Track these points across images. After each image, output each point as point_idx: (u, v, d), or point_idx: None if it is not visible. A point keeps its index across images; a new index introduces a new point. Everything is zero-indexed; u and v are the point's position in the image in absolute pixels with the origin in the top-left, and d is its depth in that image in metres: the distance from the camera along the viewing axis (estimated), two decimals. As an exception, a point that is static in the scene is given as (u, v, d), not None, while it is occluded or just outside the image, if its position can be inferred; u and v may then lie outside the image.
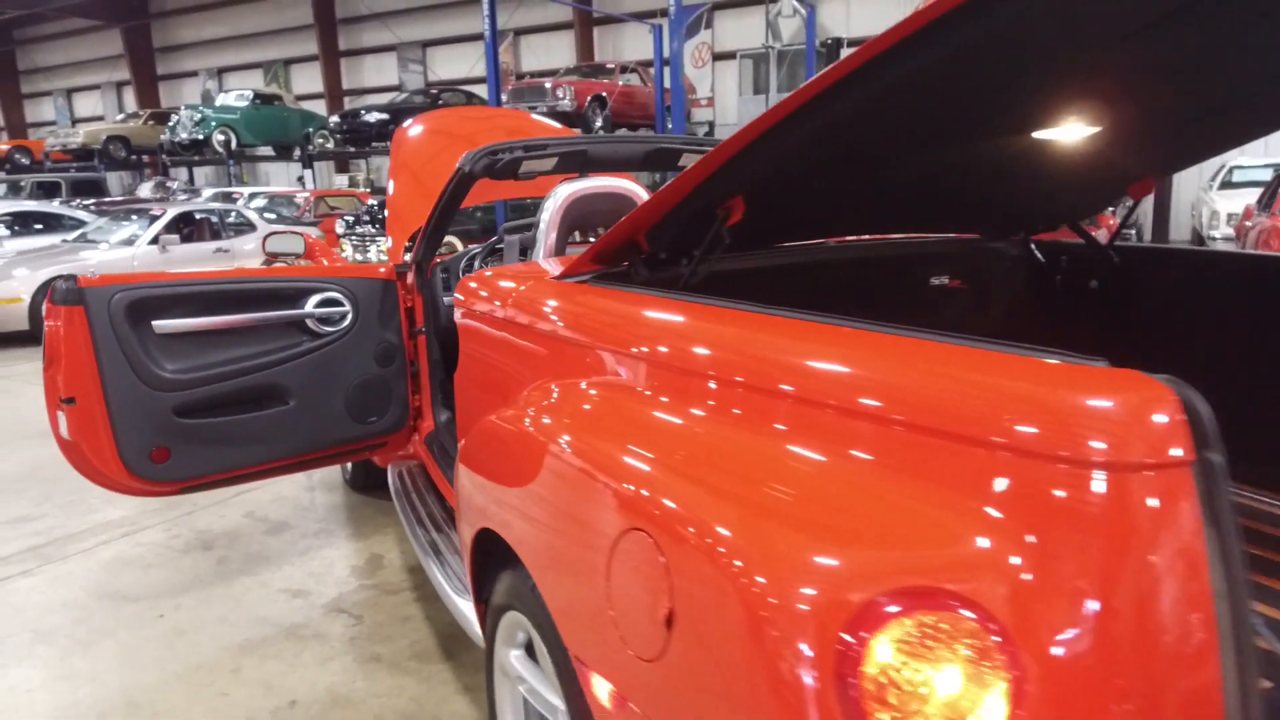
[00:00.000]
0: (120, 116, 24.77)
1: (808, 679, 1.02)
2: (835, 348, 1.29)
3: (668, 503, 1.25)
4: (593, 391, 1.72)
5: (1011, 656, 1.02)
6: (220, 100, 21.27)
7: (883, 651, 1.01)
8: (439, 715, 2.63)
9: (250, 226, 11.24)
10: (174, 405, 3.06)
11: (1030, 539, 1.04)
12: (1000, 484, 1.07)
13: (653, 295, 1.74)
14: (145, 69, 27.49)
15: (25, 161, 23.63)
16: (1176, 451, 1.00)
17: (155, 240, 10.10)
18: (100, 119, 26.90)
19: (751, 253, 2.48)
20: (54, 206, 13.25)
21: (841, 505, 1.15)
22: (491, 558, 1.97)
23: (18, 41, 29.47)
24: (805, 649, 1.03)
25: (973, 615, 1.02)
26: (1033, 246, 2.79)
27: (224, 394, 3.17)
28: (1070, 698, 1.01)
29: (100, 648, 3.09)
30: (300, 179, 21.34)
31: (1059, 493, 1.03)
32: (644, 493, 1.31)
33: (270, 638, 3.11)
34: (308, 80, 25.28)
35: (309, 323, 3.33)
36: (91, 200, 16.68)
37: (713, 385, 1.43)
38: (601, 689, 1.40)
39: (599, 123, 15.79)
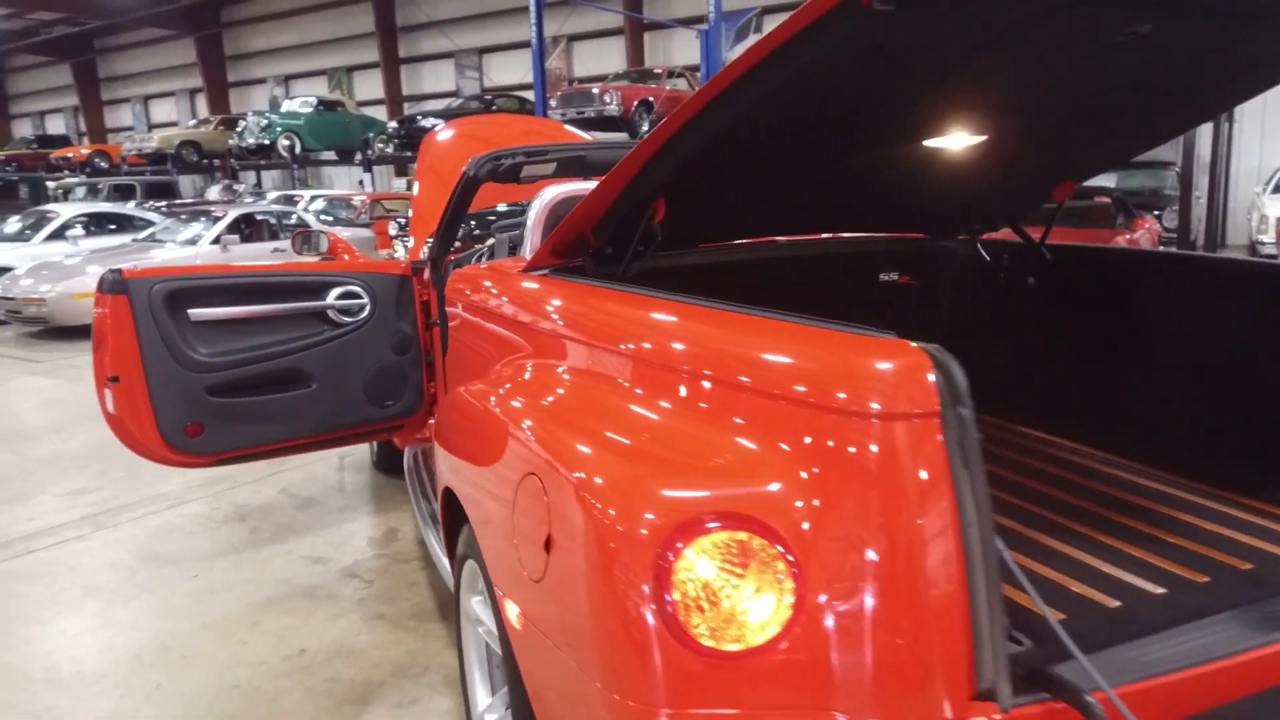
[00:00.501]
0: (193, 122, 25.83)
1: (634, 584, 1.27)
2: (693, 323, 1.54)
3: (552, 449, 1.52)
4: (522, 364, 1.99)
5: (798, 572, 1.25)
6: (285, 107, 22.07)
7: (693, 563, 1.26)
8: (429, 665, 2.92)
9: (306, 228, 11.78)
10: (206, 385, 3.40)
11: (820, 474, 1.28)
12: (800, 430, 1.31)
13: (579, 283, 2.00)
14: (217, 76, 28.60)
15: (104, 165, 24.81)
16: (929, 405, 1.22)
17: (217, 240, 10.66)
18: (175, 124, 28.03)
19: (711, 249, 2.72)
20: (126, 208, 14.00)
21: (684, 450, 1.40)
22: (456, 515, 2.25)
23: (98, 50, 30.91)
24: (633, 560, 1.28)
25: (766, 538, 1.26)
26: (979, 246, 2.97)
27: (252, 376, 3.50)
28: (844, 608, 1.24)
29: (140, 601, 3.45)
30: (360, 182, 22.06)
31: (843, 437, 1.26)
32: (538, 443, 1.57)
33: (289, 597, 3.45)
34: (370, 86, 26.04)
35: (330, 313, 3.64)
36: (164, 202, 17.50)
37: (605, 355, 1.70)
38: (512, 612, 1.66)
39: (645, 126, 16.07)
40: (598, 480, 1.37)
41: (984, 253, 2.92)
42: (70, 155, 25.55)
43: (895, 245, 2.95)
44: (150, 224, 12.31)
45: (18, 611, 3.41)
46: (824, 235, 2.94)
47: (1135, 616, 1.61)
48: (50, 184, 23.14)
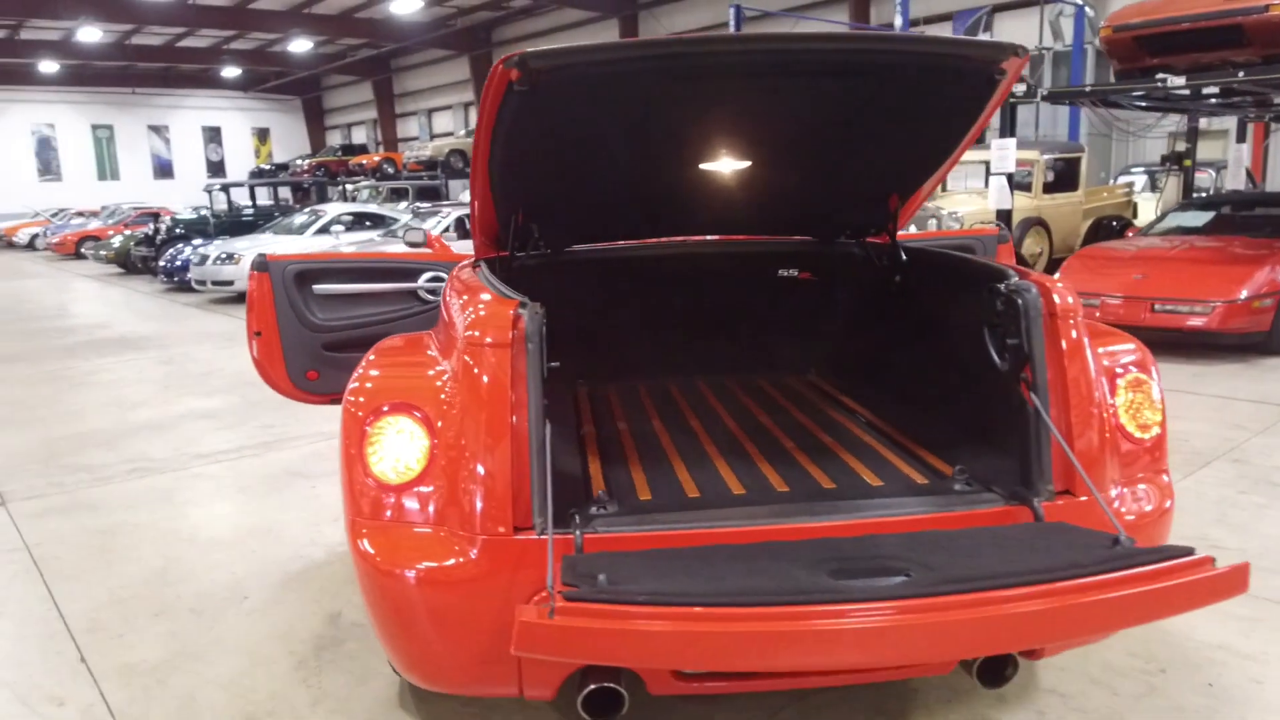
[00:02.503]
0: (462, 132, 28.97)
1: (353, 443, 2.08)
2: (451, 293, 2.32)
3: (357, 374, 2.34)
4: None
5: (435, 439, 2.00)
6: (535, 117, 24.31)
7: (377, 431, 2.04)
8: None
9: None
10: (323, 342, 4.52)
11: (457, 377, 2.02)
12: (457, 351, 2.06)
13: (466, 269, 2.81)
14: (486, 90, 31.83)
15: (390, 171, 28.51)
16: (506, 339, 1.94)
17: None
18: (451, 135, 31.52)
19: (635, 245, 3.41)
20: (398, 208, 16.42)
21: (410, 369, 2.19)
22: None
23: (393, 70, 35.38)
24: (352, 429, 2.09)
25: (419, 418, 2.03)
26: (868, 248, 3.39)
27: (357, 338, 4.58)
28: (457, 453, 1.98)
29: (268, 499, 4.67)
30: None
31: (468, 355, 2.00)
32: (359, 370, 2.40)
33: (368, 507, 4.51)
34: (614, 96, 27.89)
35: (420, 293, 4.67)
36: (428, 204, 20.08)
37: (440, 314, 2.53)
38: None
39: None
40: (354, 384, 2.20)
41: (873, 254, 3.34)
42: (364, 162, 29.56)
43: (793, 246, 3.47)
44: (396, 221, 14.41)
45: (190, 497, 4.74)
46: (735, 237, 3.52)
47: (698, 502, 2.18)
48: (349, 186, 26.97)
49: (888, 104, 2.38)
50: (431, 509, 2.00)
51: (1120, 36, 7.96)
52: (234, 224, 18.66)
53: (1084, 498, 2.06)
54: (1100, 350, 2.27)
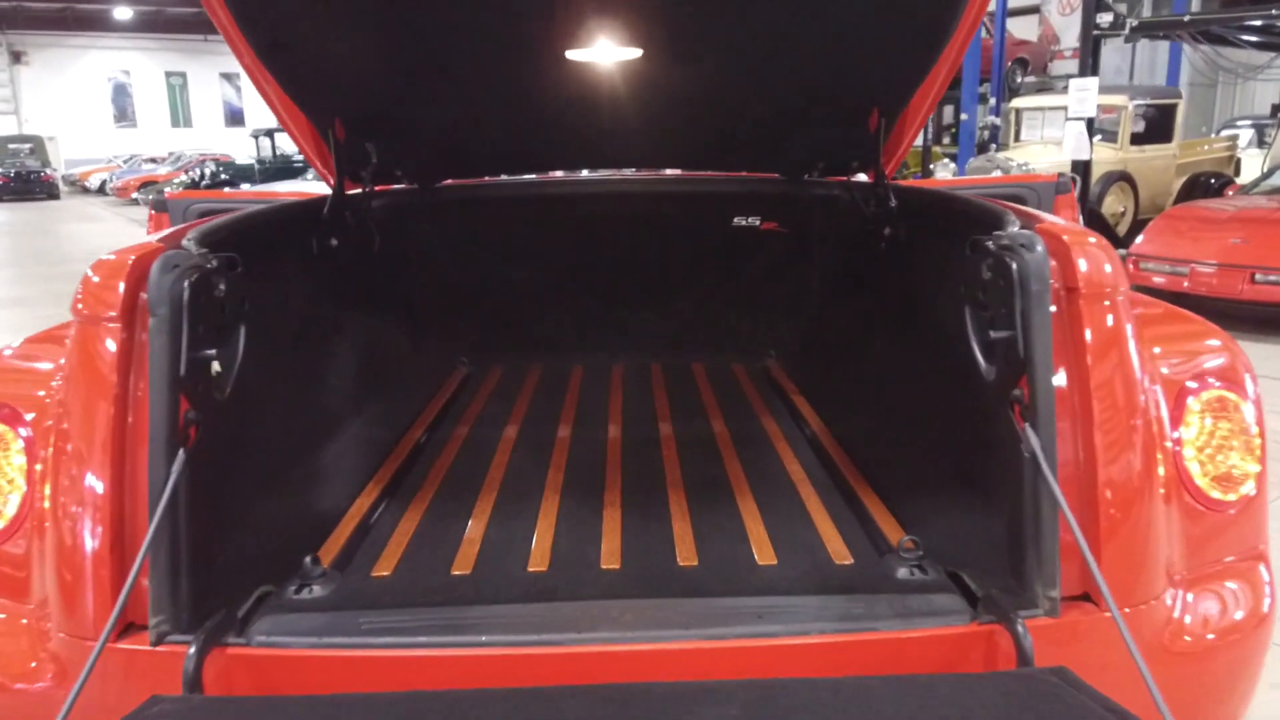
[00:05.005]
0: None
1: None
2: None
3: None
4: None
5: (36, 461, 1.24)
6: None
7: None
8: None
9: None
10: None
11: (67, 366, 1.26)
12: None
13: None
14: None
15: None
16: (118, 306, 1.16)
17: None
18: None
19: (531, 179, 2.57)
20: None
21: (32, 350, 1.42)
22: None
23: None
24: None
25: (26, 430, 1.27)
26: (852, 190, 2.48)
27: None
28: (56, 490, 1.22)
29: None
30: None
31: (78, 335, 1.23)
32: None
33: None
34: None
35: None
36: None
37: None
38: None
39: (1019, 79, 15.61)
40: None
41: (858, 198, 2.41)
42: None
43: (752, 186, 2.57)
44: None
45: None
46: (675, 174, 2.65)
47: (458, 587, 1.38)
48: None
49: None
50: (24, 581, 1.25)
51: (1231, -45, 6.71)
52: (280, 170, 18.28)
53: (1108, 614, 1.20)
54: (1159, 350, 1.38)
